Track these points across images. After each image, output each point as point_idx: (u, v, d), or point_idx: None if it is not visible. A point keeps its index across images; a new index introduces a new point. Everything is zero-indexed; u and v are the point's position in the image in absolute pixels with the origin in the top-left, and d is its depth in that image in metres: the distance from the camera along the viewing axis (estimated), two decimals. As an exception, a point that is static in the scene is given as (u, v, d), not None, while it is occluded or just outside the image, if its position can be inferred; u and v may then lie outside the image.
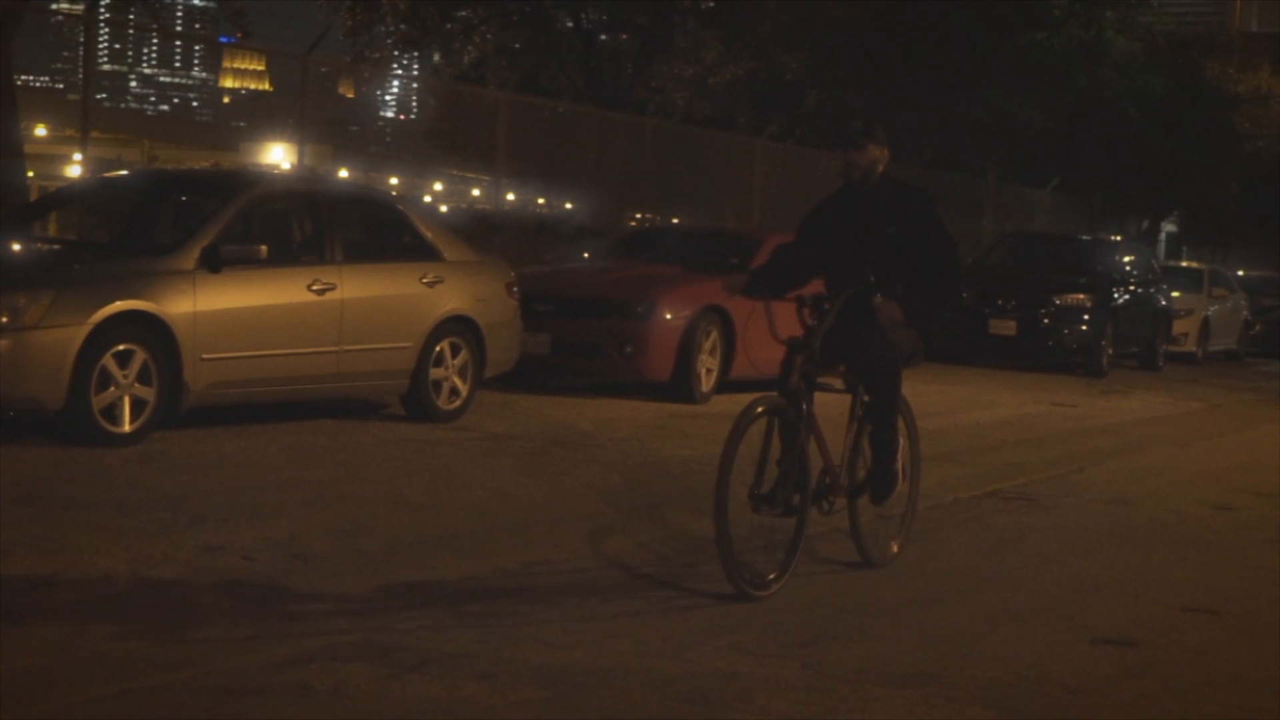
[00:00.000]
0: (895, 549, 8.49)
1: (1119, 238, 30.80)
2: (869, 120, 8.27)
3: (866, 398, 8.06)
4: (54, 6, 22.34)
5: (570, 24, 30.13)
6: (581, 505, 9.54)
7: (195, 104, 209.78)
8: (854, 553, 8.29)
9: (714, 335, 15.20)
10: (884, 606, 7.51)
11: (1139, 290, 24.78)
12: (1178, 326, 27.33)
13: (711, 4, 29.61)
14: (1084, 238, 28.66)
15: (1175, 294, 27.21)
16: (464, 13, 29.04)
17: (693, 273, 15.66)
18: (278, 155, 33.24)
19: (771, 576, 7.45)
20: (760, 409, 7.38)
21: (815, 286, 8.05)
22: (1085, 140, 38.08)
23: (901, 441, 8.24)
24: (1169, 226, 56.76)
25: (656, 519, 9.26)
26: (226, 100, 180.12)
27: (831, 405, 8.22)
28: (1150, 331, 25.26)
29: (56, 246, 12.56)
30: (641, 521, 9.17)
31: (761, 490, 7.37)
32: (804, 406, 7.53)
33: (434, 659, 5.97)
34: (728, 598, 7.29)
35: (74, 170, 30.07)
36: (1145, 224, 47.80)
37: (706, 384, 15.18)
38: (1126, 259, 25.63)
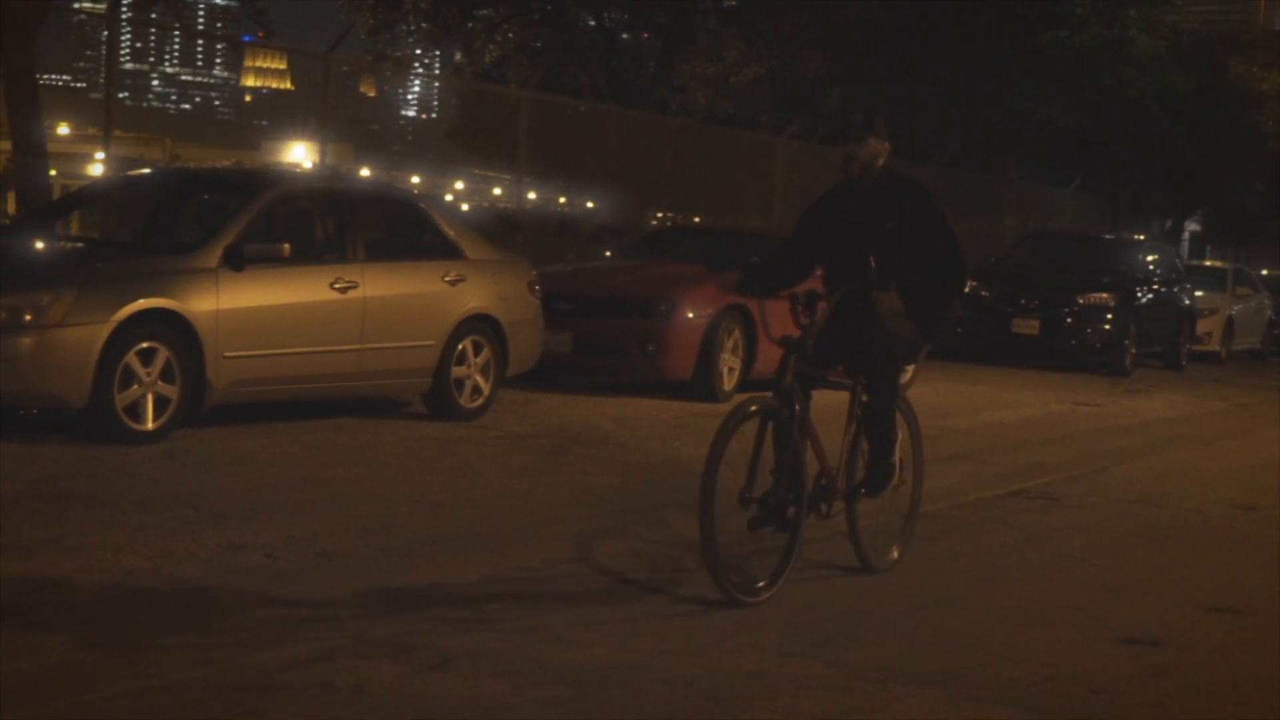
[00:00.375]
0: (896, 554, 8.27)
1: (1142, 237, 30.72)
2: (869, 113, 8.10)
3: (865, 398, 7.84)
4: (76, 5, 22.40)
5: (592, 22, 30.10)
6: (603, 504, 9.52)
7: (217, 103, 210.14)
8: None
9: (736, 334, 15.18)
10: (906, 606, 7.49)
11: (1162, 289, 24.70)
12: (1201, 326, 27.25)
13: (733, 3, 29.57)
14: (1107, 237, 28.62)
15: (1199, 293, 27.13)
16: (485, 11, 29.04)
17: (714, 271, 15.61)
18: (299, 154, 33.32)
19: (761, 584, 7.25)
20: (753, 408, 7.22)
21: (810, 284, 7.87)
22: (1108, 139, 37.98)
23: (901, 435, 8.07)
24: (1192, 225, 56.62)
25: (677, 518, 9.23)
26: (248, 99, 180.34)
27: (831, 406, 8.17)
28: (1174, 331, 25.18)
29: (79, 245, 12.59)
30: (662, 521, 9.16)
31: (752, 494, 7.16)
32: (796, 407, 7.32)
33: (455, 657, 5.97)
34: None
35: (96, 169, 30.15)
36: (1169, 223, 47.68)
37: (729, 383, 15.15)
38: (1150, 258, 25.55)
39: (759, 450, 7.20)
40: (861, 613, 7.28)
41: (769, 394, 7.35)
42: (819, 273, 8.14)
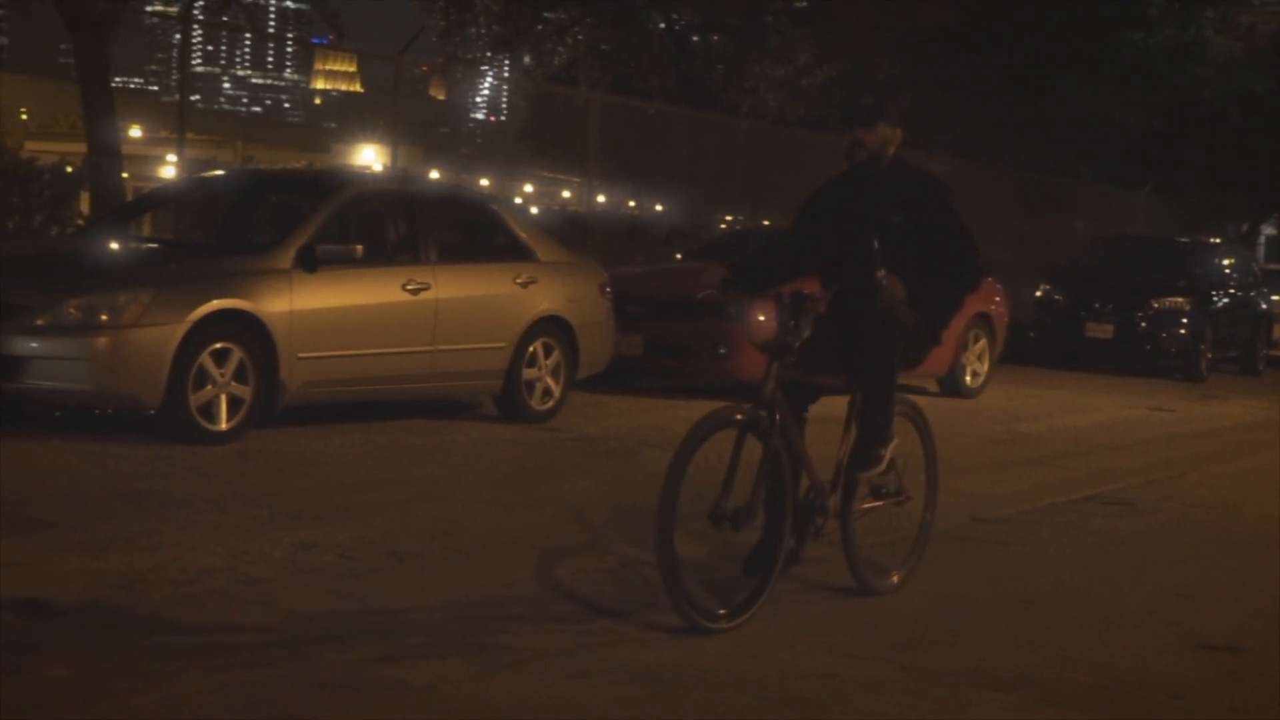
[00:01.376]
0: (896, 579, 7.59)
1: (1218, 240, 30.40)
2: (880, 94, 7.53)
3: (861, 396, 7.21)
4: (149, 9, 22.51)
5: (662, 25, 30.09)
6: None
7: (287, 105, 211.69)
8: (952, 559, 8.18)
9: (806, 336, 15.09)
10: (980, 610, 7.43)
11: (1238, 293, 24.44)
12: (1278, 330, 26.97)
13: (804, 4, 29.49)
14: (1182, 240, 28.33)
15: (1275, 297, 26.83)
16: (556, 14, 29.09)
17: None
18: (369, 156, 33.45)
19: (723, 612, 6.61)
20: (738, 416, 6.67)
21: (799, 284, 7.22)
22: (1183, 141, 37.63)
23: (914, 447, 7.54)
24: (1269, 229, 56.03)
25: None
26: (318, 102, 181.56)
27: (829, 411, 8.03)
28: (1250, 335, 24.91)
29: (154, 246, 12.68)
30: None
31: (726, 510, 6.55)
32: (777, 416, 6.71)
33: (528, 657, 5.97)
34: (821, 600, 7.25)
35: (168, 171, 30.33)
36: (1245, 226, 47.17)
37: (798, 386, 15.08)
38: (1226, 262, 25.26)
39: (735, 463, 6.59)
40: (934, 616, 7.22)
41: (750, 403, 6.80)
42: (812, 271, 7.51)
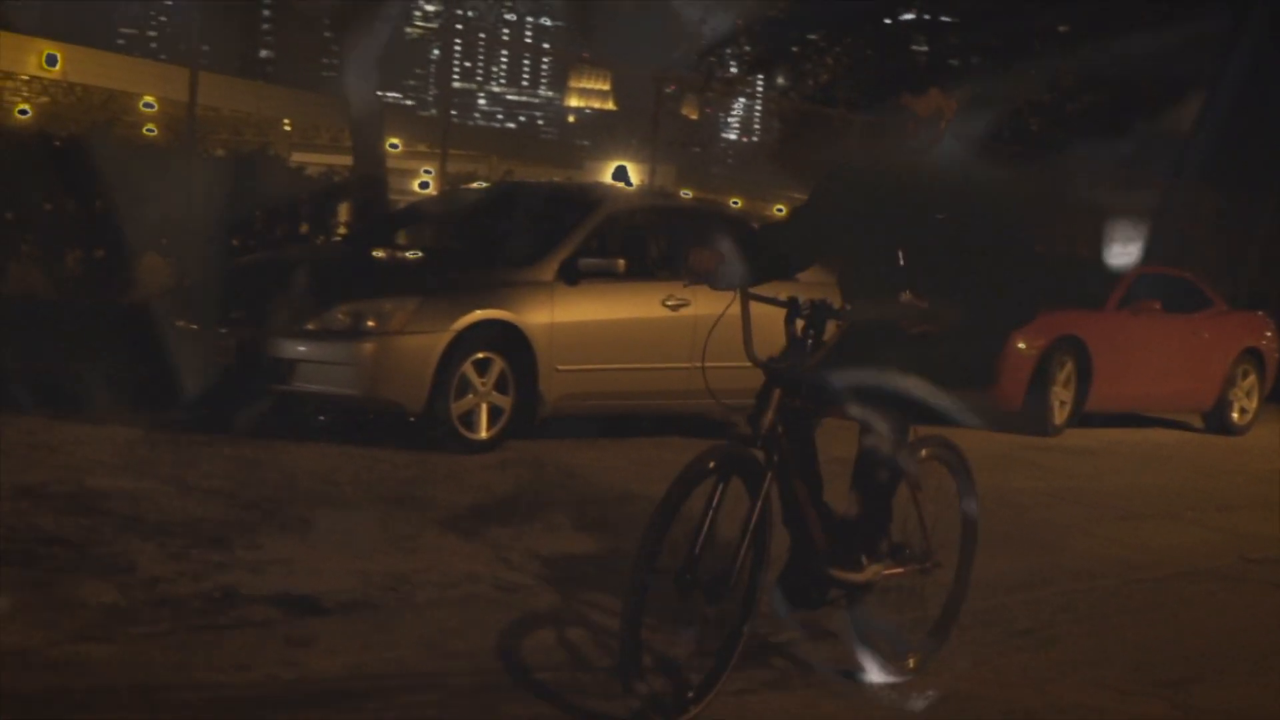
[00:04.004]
0: (912, 663, 6.09)
1: None
2: (938, 59, 6.07)
3: (862, 442, 5.83)
4: (411, 27, 22.98)
5: (924, 48, 29.85)
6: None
7: (540, 122, 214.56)
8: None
9: (1069, 366, 14.84)
10: (1253, 650, 7.20)
11: None
12: None
13: (1067, 29, 29.01)
14: None
15: None
16: (816, 36, 29.02)
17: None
18: (623, 174, 33.72)
19: (690, 695, 5.35)
20: (711, 463, 5.46)
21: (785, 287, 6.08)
22: None
23: (882, 568, 5.89)
24: None
25: (1008, 551, 9.03)
26: (571, 119, 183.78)
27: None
28: None
29: (418, 255, 12.88)
30: (996, 552, 8.95)
31: (695, 573, 5.32)
32: (775, 456, 5.51)
33: (793, 675, 5.92)
34: (1086, 633, 7.08)
35: (422, 185, 30.88)
36: None
37: (1059, 416, 14.83)
38: None
39: (709, 518, 5.44)
40: (1205, 654, 7.00)
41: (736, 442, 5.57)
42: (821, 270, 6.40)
